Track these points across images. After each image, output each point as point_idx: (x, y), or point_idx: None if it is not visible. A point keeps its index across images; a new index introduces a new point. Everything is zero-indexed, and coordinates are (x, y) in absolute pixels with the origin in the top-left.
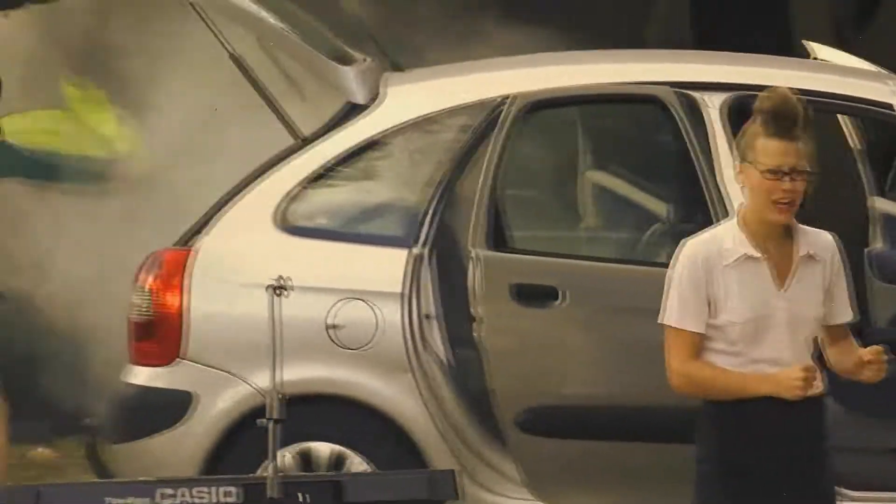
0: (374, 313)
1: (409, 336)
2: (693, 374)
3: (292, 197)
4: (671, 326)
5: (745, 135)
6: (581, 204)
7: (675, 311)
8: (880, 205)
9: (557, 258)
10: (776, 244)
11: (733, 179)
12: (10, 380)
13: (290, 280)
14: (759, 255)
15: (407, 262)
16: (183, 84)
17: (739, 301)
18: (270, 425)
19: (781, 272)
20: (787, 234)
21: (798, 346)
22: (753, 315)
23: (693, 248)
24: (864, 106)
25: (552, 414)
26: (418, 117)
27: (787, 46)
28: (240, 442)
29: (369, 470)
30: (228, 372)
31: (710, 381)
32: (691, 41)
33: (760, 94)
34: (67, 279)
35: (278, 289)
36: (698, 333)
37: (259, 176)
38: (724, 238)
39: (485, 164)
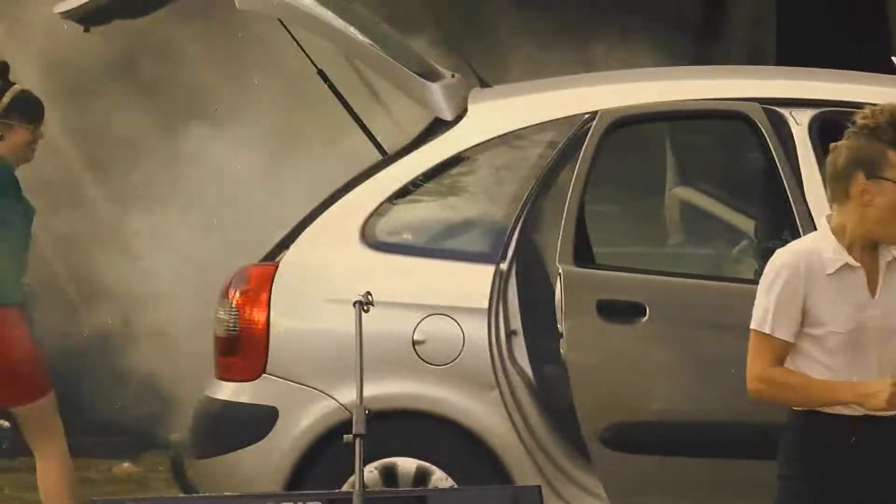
0: (460, 329)
1: (494, 352)
2: (775, 378)
3: (378, 212)
4: (761, 332)
5: (859, 150)
6: (667, 220)
7: (768, 318)
8: None
9: (643, 274)
10: (866, 253)
11: (823, 196)
12: (95, 396)
13: (374, 296)
14: (857, 264)
15: (493, 278)
16: (265, 96)
17: (841, 310)
18: (357, 441)
19: (871, 280)
20: (873, 242)
21: (888, 356)
22: (854, 325)
23: (793, 256)
24: None
25: (637, 430)
26: (504, 133)
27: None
28: (323, 457)
29: (453, 486)
30: (313, 387)
31: (793, 387)
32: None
33: (866, 109)
34: (154, 293)
35: (364, 304)
36: (785, 342)
37: (345, 191)
38: (824, 248)
39: (572, 181)
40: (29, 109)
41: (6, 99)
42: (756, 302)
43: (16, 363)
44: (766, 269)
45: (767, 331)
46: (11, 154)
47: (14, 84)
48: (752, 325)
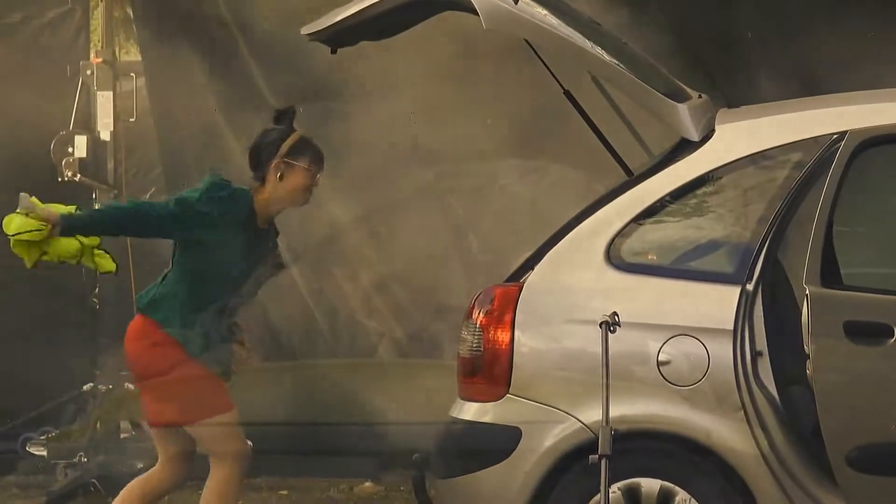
0: (705, 350)
1: (740, 373)
2: None
3: (623, 233)
4: None
5: None
6: None
7: None
8: None
9: (892, 295)
10: None
11: None
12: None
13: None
14: None
15: (738, 299)
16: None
17: None
18: (602, 461)
19: None
20: None
21: None
22: None
23: None
24: None
25: (885, 452)
26: (752, 153)
27: None
28: (565, 478)
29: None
30: (557, 408)
31: None
32: None
33: None
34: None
35: (611, 325)
36: None
37: (590, 211)
38: None
39: (820, 202)
40: (312, 154)
41: (291, 141)
42: None
43: (192, 380)
44: None
45: None
46: (289, 195)
47: (296, 130)
48: None
